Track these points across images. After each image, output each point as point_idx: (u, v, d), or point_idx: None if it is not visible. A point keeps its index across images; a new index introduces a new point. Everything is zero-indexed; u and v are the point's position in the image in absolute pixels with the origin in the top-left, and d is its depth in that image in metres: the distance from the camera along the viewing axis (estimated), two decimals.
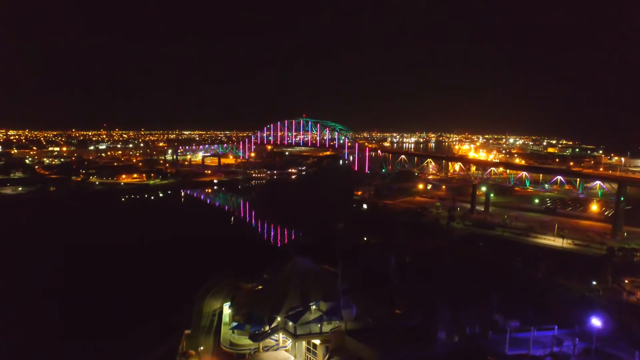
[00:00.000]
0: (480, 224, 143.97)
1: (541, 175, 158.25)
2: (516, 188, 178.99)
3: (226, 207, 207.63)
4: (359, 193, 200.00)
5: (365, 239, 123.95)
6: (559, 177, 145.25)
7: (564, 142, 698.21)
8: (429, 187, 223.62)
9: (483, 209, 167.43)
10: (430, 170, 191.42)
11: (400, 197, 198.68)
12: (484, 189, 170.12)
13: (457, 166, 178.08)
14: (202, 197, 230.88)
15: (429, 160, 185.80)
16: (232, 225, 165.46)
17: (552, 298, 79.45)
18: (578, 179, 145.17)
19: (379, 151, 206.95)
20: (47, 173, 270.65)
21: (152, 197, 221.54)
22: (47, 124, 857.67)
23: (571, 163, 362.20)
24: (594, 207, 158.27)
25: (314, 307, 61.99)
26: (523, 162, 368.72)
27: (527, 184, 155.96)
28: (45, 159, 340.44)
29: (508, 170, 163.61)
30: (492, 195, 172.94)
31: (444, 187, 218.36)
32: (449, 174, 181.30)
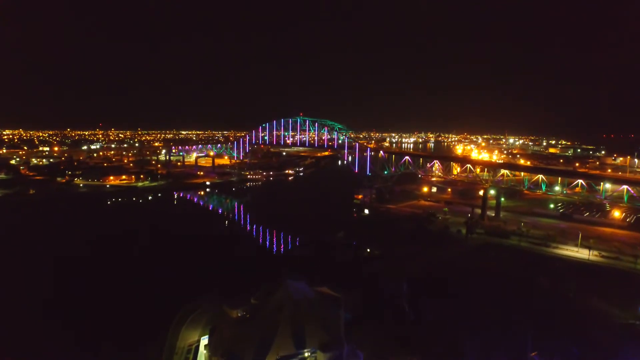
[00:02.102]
0: (493, 232, 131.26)
1: (559, 178, 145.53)
2: (525, 191, 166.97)
3: (216, 212, 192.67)
4: (360, 197, 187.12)
5: (368, 250, 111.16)
6: (580, 181, 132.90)
7: (563, 142, 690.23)
8: (434, 190, 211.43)
9: (493, 214, 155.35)
10: (437, 172, 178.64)
11: (404, 201, 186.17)
12: (492, 192, 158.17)
13: (465, 168, 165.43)
14: (192, 201, 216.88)
15: (435, 162, 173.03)
16: (220, 232, 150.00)
17: (595, 328, 66.92)
18: (602, 183, 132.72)
19: (381, 152, 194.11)
20: (32, 174, 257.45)
21: (139, 201, 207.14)
22: (46, 123, 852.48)
23: (577, 164, 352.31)
24: (616, 213, 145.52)
25: (308, 354, 49.05)
26: (529, 163, 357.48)
27: (544, 187, 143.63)
28: (33, 159, 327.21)
29: (523, 173, 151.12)
30: (502, 199, 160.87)
31: (449, 190, 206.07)
32: (457, 176, 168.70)
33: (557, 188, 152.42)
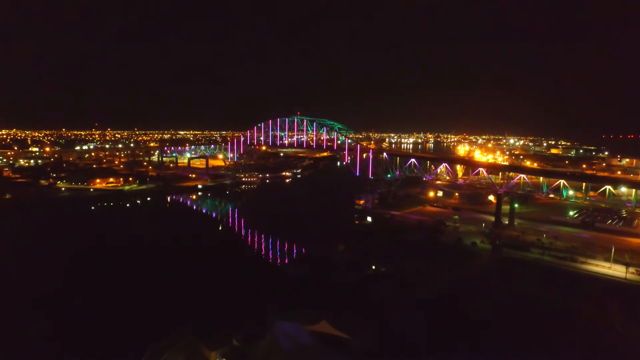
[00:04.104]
0: (510, 244, 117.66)
1: (584, 184, 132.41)
2: (537, 195, 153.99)
3: (203, 220, 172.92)
4: (361, 202, 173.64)
5: (373, 267, 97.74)
6: (608, 187, 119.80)
7: (563, 142, 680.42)
8: (440, 194, 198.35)
9: (507, 222, 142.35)
10: (445, 176, 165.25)
11: (409, 206, 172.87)
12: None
13: (477, 171, 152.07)
14: (179, 207, 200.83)
15: (444, 164, 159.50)
16: (204, 245, 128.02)
17: None
18: (634, 190, 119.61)
19: (384, 154, 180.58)
20: (15, 176, 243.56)
21: (122, 206, 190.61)
22: (44, 124, 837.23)
23: (584, 166, 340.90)
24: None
25: None
26: (535, 164, 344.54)
27: (565, 193, 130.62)
28: (21, 160, 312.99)
29: (541, 178, 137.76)
30: (516, 205, 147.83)
31: (456, 194, 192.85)
32: (468, 180, 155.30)
33: (570, 192, 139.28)
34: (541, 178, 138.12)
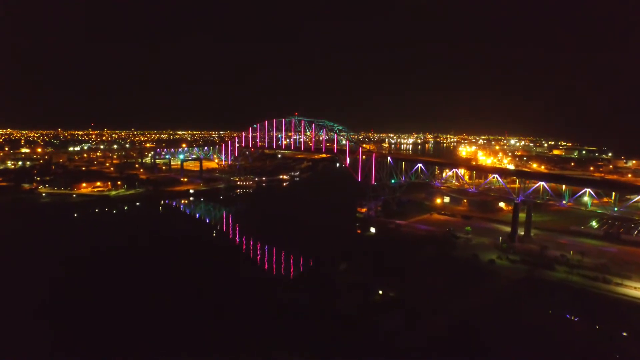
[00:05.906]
0: (532, 260, 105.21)
1: (613, 193, 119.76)
2: (550, 202, 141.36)
3: (189, 232, 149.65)
4: (363, 210, 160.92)
5: (380, 291, 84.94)
6: None
7: (563, 143, 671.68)
8: (446, 200, 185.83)
9: (522, 234, 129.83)
10: (455, 182, 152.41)
11: (414, 214, 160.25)
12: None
13: (491, 177, 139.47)
14: (169, 214, 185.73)
15: (455, 170, 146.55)
16: (185, 262, 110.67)
17: None
18: None
19: (388, 158, 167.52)
20: None
21: (106, 214, 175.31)
22: (43, 123, 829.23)
23: (591, 168, 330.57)
24: None
25: None
26: (543, 167, 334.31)
27: (590, 203, 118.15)
28: (8, 162, 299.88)
29: (564, 186, 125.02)
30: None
31: (465, 200, 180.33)
32: (481, 187, 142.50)
33: (585, 199, 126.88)
34: (564, 186, 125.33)
